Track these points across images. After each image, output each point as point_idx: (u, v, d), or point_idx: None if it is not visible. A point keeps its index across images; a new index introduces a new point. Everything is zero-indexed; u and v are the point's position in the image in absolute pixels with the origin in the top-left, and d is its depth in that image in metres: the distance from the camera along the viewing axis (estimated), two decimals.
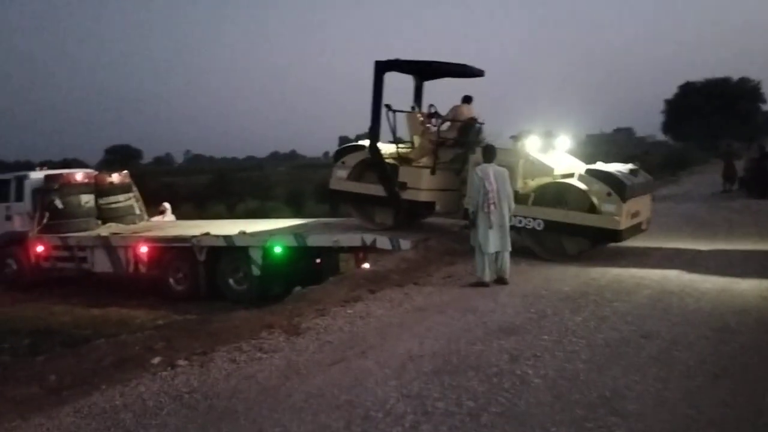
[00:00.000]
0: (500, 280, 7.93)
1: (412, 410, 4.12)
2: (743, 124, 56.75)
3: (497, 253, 7.93)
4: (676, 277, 7.83)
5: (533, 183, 9.53)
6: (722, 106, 55.44)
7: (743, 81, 59.13)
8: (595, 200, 9.00)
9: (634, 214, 9.28)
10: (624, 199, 8.81)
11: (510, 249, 8.01)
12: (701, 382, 4.42)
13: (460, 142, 10.51)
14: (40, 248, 12.63)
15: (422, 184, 10.22)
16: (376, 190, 10.66)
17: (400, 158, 10.79)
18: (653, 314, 6.19)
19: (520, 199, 9.28)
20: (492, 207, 7.82)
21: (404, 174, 10.45)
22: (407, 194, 10.34)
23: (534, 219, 9.30)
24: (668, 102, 62.98)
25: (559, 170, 9.60)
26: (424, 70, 11.32)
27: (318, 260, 11.02)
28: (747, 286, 7.29)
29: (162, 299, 11.50)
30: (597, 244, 9.42)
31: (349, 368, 5.00)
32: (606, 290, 7.27)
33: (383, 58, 10.50)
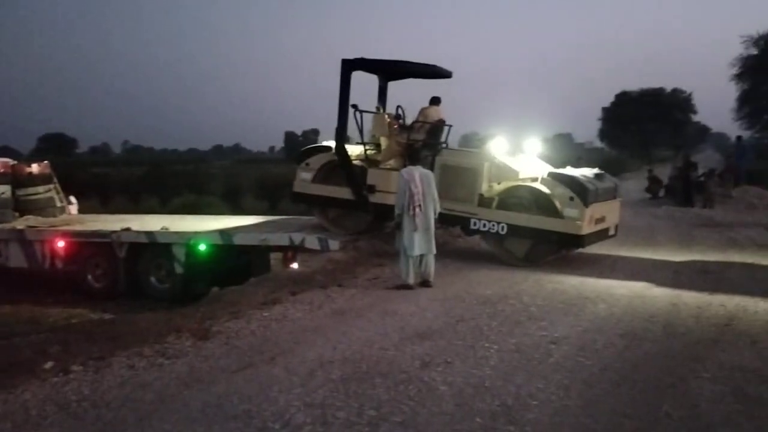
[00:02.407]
0: (424, 283, 7.91)
1: (311, 420, 4.00)
2: (675, 134, 58.96)
3: (422, 255, 7.91)
4: (594, 283, 7.97)
5: (499, 187, 9.42)
6: (656, 115, 57.29)
7: (676, 92, 61.32)
8: (557, 204, 8.92)
9: (599, 220, 9.23)
10: (586, 204, 8.75)
11: (435, 252, 8.00)
12: (602, 390, 4.46)
13: (429, 145, 10.16)
14: None
15: (392, 187, 9.63)
16: (344, 193, 10.30)
17: (368, 160, 10.49)
18: (566, 319, 6.26)
19: (484, 202, 9.31)
20: (417, 210, 7.78)
21: (373, 176, 10.13)
22: (376, 197, 10.02)
23: (498, 223, 9.20)
24: (605, 110, 64.69)
25: (524, 174, 9.50)
26: (390, 70, 10.96)
27: (245, 259, 10.77)
28: (659, 292, 7.47)
29: (80, 297, 11.03)
30: (561, 249, 9.38)
31: (254, 375, 4.84)
32: (524, 294, 7.33)
33: (339, 55, 10.05)
